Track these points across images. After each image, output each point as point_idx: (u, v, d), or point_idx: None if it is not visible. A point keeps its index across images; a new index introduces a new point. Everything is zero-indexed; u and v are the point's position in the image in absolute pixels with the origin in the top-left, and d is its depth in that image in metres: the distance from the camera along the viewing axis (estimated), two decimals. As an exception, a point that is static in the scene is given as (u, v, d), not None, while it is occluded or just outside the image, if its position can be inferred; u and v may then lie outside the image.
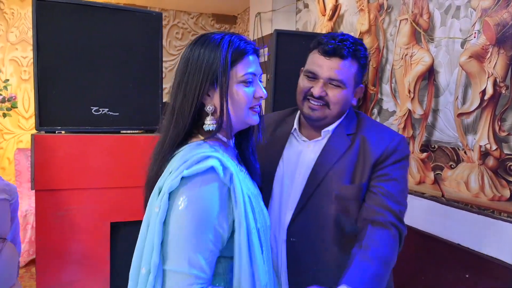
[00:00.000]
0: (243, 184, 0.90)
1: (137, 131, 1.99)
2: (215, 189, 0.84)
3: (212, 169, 0.83)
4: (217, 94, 0.90)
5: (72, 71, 1.78)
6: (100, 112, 1.81)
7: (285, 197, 1.23)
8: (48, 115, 1.75)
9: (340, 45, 1.14)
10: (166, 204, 0.83)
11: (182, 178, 0.82)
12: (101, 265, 1.86)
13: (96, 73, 1.81)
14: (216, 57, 0.88)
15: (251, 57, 0.94)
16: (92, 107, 1.80)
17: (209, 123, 0.92)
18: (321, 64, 1.16)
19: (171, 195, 0.84)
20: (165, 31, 4.95)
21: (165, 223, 0.84)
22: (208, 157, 0.85)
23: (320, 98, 1.17)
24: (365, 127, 1.23)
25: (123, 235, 1.93)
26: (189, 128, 0.91)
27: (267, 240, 0.96)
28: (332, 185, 1.16)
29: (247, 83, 0.94)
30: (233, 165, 0.90)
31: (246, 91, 0.93)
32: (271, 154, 1.27)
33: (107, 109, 1.82)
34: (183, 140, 0.92)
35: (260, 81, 0.98)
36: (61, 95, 1.76)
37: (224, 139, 0.98)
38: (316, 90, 1.17)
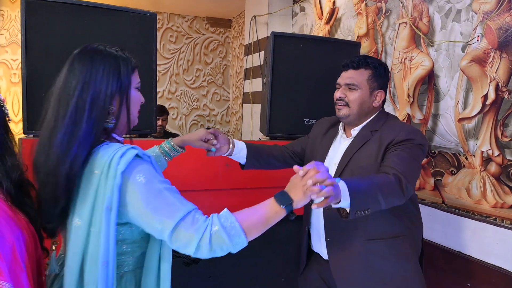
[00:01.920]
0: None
1: (130, 135, 1.92)
2: (148, 164, 1.03)
3: (136, 155, 1.02)
4: (120, 97, 1.08)
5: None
6: (91, 116, 1.74)
7: None
8: (36, 119, 1.67)
9: (351, 60, 1.53)
10: (115, 191, 0.97)
11: (122, 173, 0.98)
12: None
13: (87, 75, 1.74)
14: (123, 67, 1.08)
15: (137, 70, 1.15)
16: (83, 110, 1.73)
17: (110, 121, 1.07)
18: (341, 76, 1.56)
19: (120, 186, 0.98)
20: (159, 34, 4.89)
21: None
22: (126, 150, 1.01)
23: (340, 99, 1.53)
24: (388, 124, 1.49)
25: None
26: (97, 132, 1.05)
27: None
28: (356, 167, 1.44)
29: (138, 89, 1.15)
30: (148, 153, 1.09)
31: (139, 95, 1.15)
32: (322, 148, 1.62)
33: (99, 113, 1.75)
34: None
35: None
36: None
37: (120, 138, 1.14)
38: (337, 94, 1.55)
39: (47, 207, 1.04)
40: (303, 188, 1.03)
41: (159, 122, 3.55)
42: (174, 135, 4.33)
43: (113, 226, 0.97)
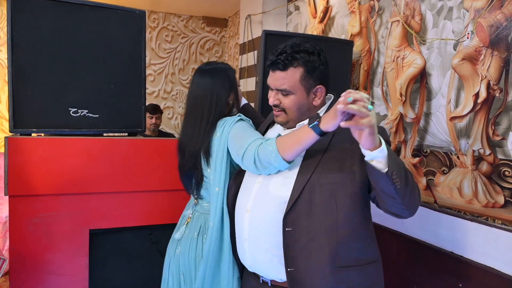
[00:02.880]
0: None
1: (119, 134, 1.91)
2: (247, 123, 1.49)
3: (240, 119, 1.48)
4: (234, 94, 1.58)
5: (49, 70, 1.69)
6: (78, 114, 1.72)
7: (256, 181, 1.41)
8: (23, 117, 1.66)
9: (276, 59, 1.27)
10: (229, 129, 1.44)
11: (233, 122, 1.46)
12: (79, 274, 1.77)
13: (74, 73, 1.73)
14: (230, 75, 1.58)
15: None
16: (70, 109, 1.71)
17: (234, 111, 1.59)
18: (270, 76, 1.32)
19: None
20: (154, 34, 4.87)
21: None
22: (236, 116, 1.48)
23: (275, 106, 1.32)
24: None
25: (103, 243, 1.84)
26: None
27: None
28: (321, 177, 1.23)
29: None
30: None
31: (240, 90, 1.69)
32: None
33: (86, 111, 1.74)
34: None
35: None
36: (37, 95, 1.68)
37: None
38: (270, 100, 1.33)
39: (187, 174, 1.57)
40: (334, 110, 1.08)
41: (153, 121, 3.54)
42: (169, 135, 4.33)
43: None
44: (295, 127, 1.33)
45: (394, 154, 1.09)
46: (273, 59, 1.27)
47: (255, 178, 1.36)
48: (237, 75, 1.58)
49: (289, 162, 1.25)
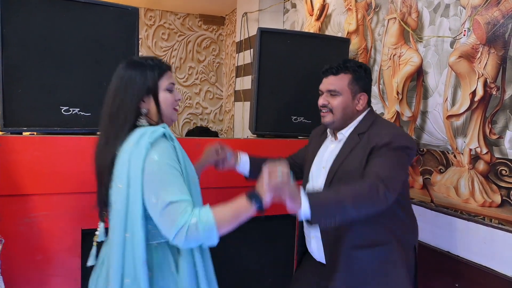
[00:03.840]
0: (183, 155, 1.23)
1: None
2: (168, 145, 1.19)
3: (164, 134, 1.19)
4: (150, 98, 1.25)
5: (40, 68, 1.67)
6: (70, 112, 1.70)
7: (314, 180, 1.58)
8: (13, 115, 1.64)
9: (330, 66, 1.53)
10: (143, 160, 1.13)
11: (150, 143, 1.14)
12: (72, 275, 1.74)
13: (66, 71, 1.70)
14: (151, 71, 1.25)
15: (168, 73, 1.30)
16: (61, 107, 1.69)
17: (142, 121, 1.24)
18: (323, 82, 1.56)
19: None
20: (150, 32, 4.84)
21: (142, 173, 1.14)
22: (157, 128, 1.18)
23: (324, 106, 1.53)
24: (376, 126, 1.48)
25: (102, 241, 1.81)
26: (130, 126, 1.22)
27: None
28: (343, 177, 1.43)
29: (170, 90, 1.29)
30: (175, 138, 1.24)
31: (170, 95, 1.29)
32: (312, 153, 1.64)
33: (78, 109, 1.71)
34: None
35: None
36: (28, 93, 1.65)
37: None
38: (320, 101, 1.55)
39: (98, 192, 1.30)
40: (265, 184, 1.15)
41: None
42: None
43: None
44: (340, 129, 1.53)
45: (321, 204, 1.24)
46: (327, 67, 1.54)
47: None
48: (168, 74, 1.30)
49: None
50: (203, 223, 1.08)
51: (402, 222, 1.48)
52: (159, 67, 1.27)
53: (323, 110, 1.55)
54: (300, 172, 1.72)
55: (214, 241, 1.12)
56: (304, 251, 1.68)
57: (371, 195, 1.27)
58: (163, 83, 1.27)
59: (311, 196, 1.23)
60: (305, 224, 1.62)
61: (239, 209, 1.15)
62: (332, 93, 1.51)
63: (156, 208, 1.11)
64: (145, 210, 1.14)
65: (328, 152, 1.57)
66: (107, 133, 1.23)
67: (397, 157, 1.38)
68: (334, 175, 1.46)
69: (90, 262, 1.39)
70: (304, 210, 1.21)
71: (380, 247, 1.44)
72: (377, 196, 1.27)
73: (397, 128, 1.56)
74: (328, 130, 1.62)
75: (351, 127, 1.52)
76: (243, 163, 1.67)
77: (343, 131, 1.53)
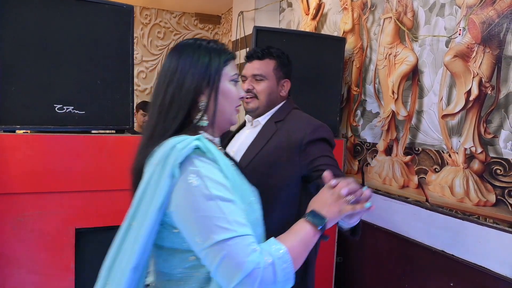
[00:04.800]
0: (227, 169, 0.93)
1: (107, 131, 1.87)
2: (210, 164, 0.89)
3: (197, 147, 0.89)
4: (209, 90, 0.97)
5: (34, 66, 1.65)
6: (64, 111, 1.68)
7: None
8: (7, 113, 1.62)
9: (255, 51, 1.50)
10: (166, 186, 0.84)
11: (180, 164, 0.86)
12: (65, 275, 1.73)
13: (60, 69, 1.68)
14: (213, 57, 0.98)
15: (234, 61, 1.04)
16: (55, 105, 1.67)
17: (202, 119, 0.97)
18: (246, 67, 1.51)
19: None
20: (146, 30, 4.82)
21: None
22: (190, 140, 0.89)
23: (248, 91, 1.47)
24: (293, 117, 1.46)
25: (90, 243, 1.80)
26: (180, 124, 0.95)
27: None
28: (260, 164, 1.37)
29: (235, 82, 1.02)
30: (217, 152, 0.93)
31: (235, 89, 1.02)
32: (228, 138, 1.58)
33: (72, 107, 1.69)
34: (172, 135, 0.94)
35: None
36: (22, 91, 1.63)
37: (210, 137, 1.02)
38: (244, 86, 1.48)
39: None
40: (338, 202, 0.91)
41: (146, 118, 3.51)
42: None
43: (157, 224, 0.86)
44: (263, 114, 1.47)
45: None
46: (252, 51, 1.50)
47: None
48: (236, 63, 1.04)
49: None
50: (281, 262, 0.83)
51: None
52: (225, 52, 1.01)
53: (247, 96, 1.47)
54: None
55: (290, 284, 0.86)
56: None
57: None
58: (228, 72, 1.00)
59: None
60: None
61: (306, 237, 0.90)
62: (258, 77, 1.47)
63: (203, 251, 0.83)
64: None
65: (242, 137, 1.52)
66: (154, 129, 0.96)
67: (331, 153, 1.37)
68: (248, 164, 1.36)
69: None
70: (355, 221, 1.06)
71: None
72: None
73: (314, 119, 1.46)
74: (246, 118, 1.56)
75: (268, 114, 1.49)
76: None
77: (259, 118, 1.49)
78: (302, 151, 1.35)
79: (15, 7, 1.61)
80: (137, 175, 0.95)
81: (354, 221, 1.00)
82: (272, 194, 1.33)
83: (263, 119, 1.49)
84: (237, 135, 1.57)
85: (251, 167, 1.36)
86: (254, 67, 1.48)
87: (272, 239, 0.88)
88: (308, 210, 0.94)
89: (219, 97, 0.98)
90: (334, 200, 0.92)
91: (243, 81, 1.51)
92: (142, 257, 0.86)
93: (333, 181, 0.94)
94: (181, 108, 0.94)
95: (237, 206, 0.86)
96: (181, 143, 0.87)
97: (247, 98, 1.48)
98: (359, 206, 0.91)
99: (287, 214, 1.34)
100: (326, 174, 0.97)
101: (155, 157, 0.89)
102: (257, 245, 0.83)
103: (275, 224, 1.16)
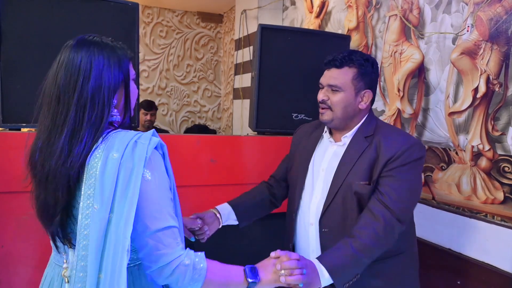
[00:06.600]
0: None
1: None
2: (161, 160, 1.01)
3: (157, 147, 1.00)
4: (122, 89, 1.04)
5: (40, 63, 1.64)
6: (69, 109, 1.68)
7: (311, 188, 1.44)
8: (12, 112, 1.61)
9: (334, 57, 1.37)
10: (139, 179, 0.93)
11: (146, 158, 0.95)
12: (71, 273, 1.73)
13: (65, 67, 1.68)
14: (122, 57, 1.03)
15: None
16: (60, 103, 1.66)
17: (116, 115, 1.03)
18: (324, 75, 1.41)
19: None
20: (148, 29, 4.82)
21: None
22: (152, 134, 0.99)
23: (323, 102, 1.39)
24: (383, 130, 1.37)
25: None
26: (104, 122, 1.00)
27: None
28: (353, 182, 1.31)
29: (134, 81, 1.10)
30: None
31: (135, 87, 1.10)
32: (306, 152, 1.50)
33: (78, 106, 1.69)
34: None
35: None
36: (27, 89, 1.63)
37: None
38: (319, 96, 1.40)
39: (47, 207, 1.00)
40: (273, 271, 1.10)
41: (148, 117, 3.51)
42: (164, 131, 4.28)
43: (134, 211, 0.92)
44: (340, 129, 1.40)
45: (340, 269, 1.20)
46: (330, 58, 1.38)
47: (311, 192, 1.44)
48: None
49: None
50: (195, 271, 0.97)
51: (409, 229, 1.40)
52: (126, 50, 1.06)
53: (321, 106, 1.40)
54: (284, 192, 1.62)
55: None
56: None
57: (387, 239, 1.23)
58: (132, 71, 1.07)
59: (327, 261, 1.17)
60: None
61: (233, 280, 1.04)
62: (334, 88, 1.36)
63: (144, 234, 0.94)
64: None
65: (329, 153, 1.43)
66: (73, 125, 0.96)
67: (412, 174, 1.28)
68: (341, 184, 1.33)
69: None
70: (325, 281, 1.17)
71: (395, 258, 1.35)
72: (392, 238, 1.24)
73: (407, 135, 1.41)
74: (325, 128, 1.49)
75: (355, 129, 1.39)
76: (227, 216, 1.50)
77: (347, 134, 1.39)
78: (388, 168, 1.28)
79: (19, 5, 1.61)
80: (65, 179, 0.95)
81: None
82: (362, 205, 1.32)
83: (350, 135, 1.39)
84: (320, 148, 1.48)
85: (345, 184, 1.32)
86: (331, 75, 1.37)
87: (202, 254, 1.01)
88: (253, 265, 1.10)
89: (130, 95, 1.06)
90: (271, 270, 1.10)
91: (320, 88, 1.42)
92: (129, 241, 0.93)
93: (272, 253, 1.13)
94: (106, 106, 0.98)
95: (170, 199, 1.01)
96: (143, 137, 0.96)
97: (321, 108, 1.39)
98: (291, 280, 1.08)
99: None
100: (272, 253, 1.14)
101: (112, 150, 0.94)
102: (183, 244, 0.99)
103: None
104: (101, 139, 0.96)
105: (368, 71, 1.36)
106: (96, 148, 0.95)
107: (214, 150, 1.93)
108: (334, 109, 1.37)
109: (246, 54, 3.63)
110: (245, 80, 3.72)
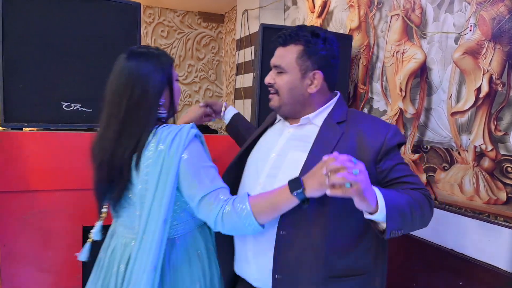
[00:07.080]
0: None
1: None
2: (199, 145, 1.20)
3: (196, 135, 1.19)
4: (167, 90, 1.23)
5: (41, 63, 1.65)
6: (71, 108, 1.68)
7: (256, 176, 1.25)
8: (14, 111, 1.62)
9: (280, 34, 1.22)
10: (177, 163, 1.12)
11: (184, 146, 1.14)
12: (73, 273, 1.73)
13: (67, 66, 1.69)
14: (165, 63, 1.23)
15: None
16: (62, 103, 1.67)
17: (163, 112, 1.24)
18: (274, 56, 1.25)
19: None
20: (150, 29, 4.82)
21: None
22: (190, 127, 1.17)
23: (270, 85, 1.24)
24: (358, 118, 1.22)
25: (98, 240, 1.79)
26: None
27: None
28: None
29: (178, 81, 1.32)
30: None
31: (179, 87, 1.34)
32: (252, 138, 1.37)
33: (80, 105, 1.69)
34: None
35: None
36: (29, 89, 1.64)
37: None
38: (266, 78, 1.24)
39: (102, 188, 1.26)
40: (319, 176, 1.01)
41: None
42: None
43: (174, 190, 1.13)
44: (293, 117, 1.23)
45: (396, 207, 1.02)
46: (278, 34, 1.24)
47: (257, 179, 1.23)
48: (175, 67, 1.30)
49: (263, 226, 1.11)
50: (235, 207, 1.10)
51: (383, 244, 1.21)
52: (168, 56, 1.27)
53: (270, 91, 1.24)
54: None
55: (253, 227, 1.10)
56: (233, 276, 1.29)
57: (429, 209, 1.11)
58: (174, 73, 1.28)
59: (382, 191, 0.99)
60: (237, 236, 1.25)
61: (278, 198, 1.08)
62: (278, 69, 1.19)
63: (193, 201, 1.14)
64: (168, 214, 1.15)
65: (283, 138, 1.23)
66: (123, 125, 1.16)
67: (399, 154, 1.19)
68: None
69: (81, 257, 1.37)
70: (379, 214, 0.97)
71: (362, 276, 1.15)
72: (431, 209, 1.12)
73: (383, 121, 1.28)
74: (277, 115, 1.32)
75: (320, 113, 1.21)
76: (229, 112, 1.68)
77: (310, 115, 1.20)
78: (382, 164, 1.14)
79: (21, 5, 1.62)
80: (121, 167, 1.16)
81: (362, 207, 0.98)
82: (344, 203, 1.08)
83: (314, 117, 1.21)
84: (269, 134, 1.32)
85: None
86: (276, 56, 1.22)
87: (244, 193, 1.14)
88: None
89: (174, 94, 1.26)
90: (317, 173, 1.02)
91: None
92: (168, 213, 1.13)
93: (325, 156, 0.99)
94: (152, 107, 1.18)
95: (215, 172, 1.18)
96: (183, 132, 1.14)
97: (270, 93, 1.24)
98: (336, 179, 0.93)
99: (360, 223, 1.13)
100: (324, 157, 1.00)
101: (158, 142, 1.14)
102: (226, 195, 1.13)
103: (345, 236, 1.11)
104: (152, 134, 1.16)
105: (317, 49, 1.17)
106: (149, 142, 1.15)
107: (215, 150, 1.93)
108: (280, 93, 1.21)
109: (248, 54, 3.62)
110: (246, 80, 3.71)
